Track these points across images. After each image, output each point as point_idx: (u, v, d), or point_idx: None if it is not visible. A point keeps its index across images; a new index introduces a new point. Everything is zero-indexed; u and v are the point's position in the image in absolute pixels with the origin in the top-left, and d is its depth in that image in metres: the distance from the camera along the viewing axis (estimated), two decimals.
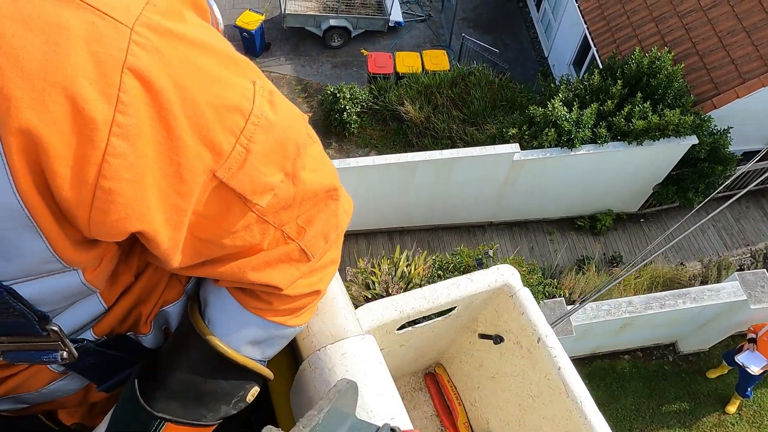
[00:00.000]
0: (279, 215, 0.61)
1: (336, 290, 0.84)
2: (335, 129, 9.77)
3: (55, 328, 0.55)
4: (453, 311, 1.06)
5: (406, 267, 7.23)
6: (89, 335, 0.65)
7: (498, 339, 1.07)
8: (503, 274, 1.02)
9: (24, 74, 0.38)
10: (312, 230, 0.67)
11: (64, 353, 0.57)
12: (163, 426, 0.66)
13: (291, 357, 0.91)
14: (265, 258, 0.63)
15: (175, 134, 0.46)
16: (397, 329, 0.96)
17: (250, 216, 0.57)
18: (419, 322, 1.04)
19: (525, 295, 1.01)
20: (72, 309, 0.60)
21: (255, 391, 0.75)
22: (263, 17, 10.81)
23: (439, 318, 1.04)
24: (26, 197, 0.43)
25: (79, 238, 0.49)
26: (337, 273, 0.93)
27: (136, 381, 0.68)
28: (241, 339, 0.72)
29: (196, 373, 0.69)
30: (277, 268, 0.65)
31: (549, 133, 7.44)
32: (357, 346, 0.78)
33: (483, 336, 1.10)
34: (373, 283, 6.71)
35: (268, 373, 0.75)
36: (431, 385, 1.35)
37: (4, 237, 0.45)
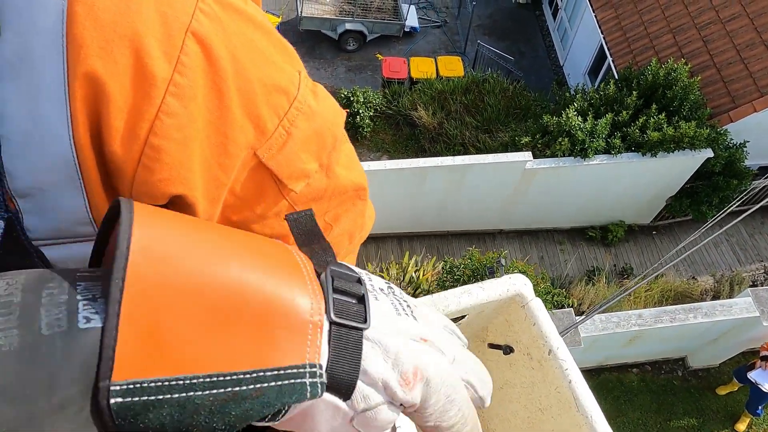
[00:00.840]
0: (309, 207, 0.61)
1: None
2: (348, 132, 9.73)
3: None
4: (463, 319, 1.04)
5: (415, 272, 7.21)
6: None
7: (508, 349, 1.05)
8: (515, 284, 1.00)
9: (97, 23, 0.40)
10: (338, 228, 0.67)
11: None
12: None
13: None
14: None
15: (226, 104, 0.47)
16: None
17: (283, 203, 0.57)
18: None
19: (537, 305, 0.99)
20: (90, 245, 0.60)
21: None
22: (280, 19, 10.88)
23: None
24: (80, 148, 0.43)
25: None
26: None
27: None
28: None
29: None
30: None
31: (562, 143, 7.40)
32: None
33: (492, 346, 1.09)
34: None
35: None
36: None
37: (45, 190, 0.45)
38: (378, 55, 11.25)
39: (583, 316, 5.63)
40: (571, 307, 7.13)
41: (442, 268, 6.57)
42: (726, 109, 7.78)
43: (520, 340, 1.04)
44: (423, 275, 7.09)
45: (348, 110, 9.53)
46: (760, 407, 7.06)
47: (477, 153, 8.36)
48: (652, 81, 7.79)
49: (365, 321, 0.40)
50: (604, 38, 9.43)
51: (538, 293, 5.10)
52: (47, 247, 0.49)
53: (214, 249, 0.37)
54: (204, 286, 0.35)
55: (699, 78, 7.76)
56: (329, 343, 0.38)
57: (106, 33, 0.40)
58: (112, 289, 0.32)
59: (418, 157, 7.89)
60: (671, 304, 7.14)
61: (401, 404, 0.41)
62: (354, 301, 0.41)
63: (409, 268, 7.25)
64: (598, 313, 6.27)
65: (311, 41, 11.65)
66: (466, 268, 5.68)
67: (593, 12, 9.84)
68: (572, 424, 0.91)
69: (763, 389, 6.50)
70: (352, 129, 9.68)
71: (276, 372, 0.35)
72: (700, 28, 8.50)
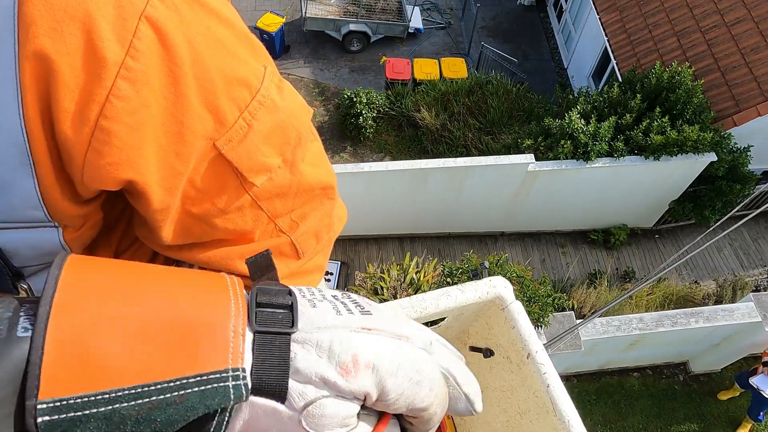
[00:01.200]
0: (273, 203, 0.60)
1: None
2: (350, 133, 9.79)
3: (26, 286, 0.55)
4: (442, 322, 1.04)
5: (416, 274, 7.20)
6: None
7: (488, 352, 1.05)
8: (495, 286, 1.00)
9: (48, 3, 0.40)
10: (304, 226, 0.66)
11: None
12: None
13: None
14: (256, 248, 0.62)
15: (182, 92, 0.47)
16: None
17: (245, 198, 0.57)
18: None
19: (517, 308, 0.99)
20: (45, 273, 0.60)
21: None
22: (284, 20, 10.89)
23: (428, 329, 1.02)
24: (30, 126, 0.43)
25: (68, 190, 0.50)
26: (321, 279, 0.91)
27: None
28: None
29: None
30: None
31: (565, 145, 7.38)
32: None
33: (473, 349, 1.08)
34: (382, 288, 6.69)
35: None
36: None
37: None
38: (382, 56, 11.25)
39: (583, 320, 5.61)
40: (572, 310, 7.11)
41: (442, 271, 6.56)
42: (730, 112, 7.74)
43: (499, 343, 1.03)
44: (424, 277, 7.08)
45: (351, 111, 9.54)
46: (761, 413, 7.01)
47: (479, 155, 8.35)
48: (656, 84, 7.76)
49: (293, 326, 0.41)
50: (608, 41, 9.40)
51: (539, 297, 5.04)
52: None
53: (140, 280, 0.40)
54: (128, 310, 0.36)
55: (703, 81, 7.73)
56: (253, 350, 0.39)
57: (56, 12, 0.40)
58: (40, 309, 0.34)
59: (420, 158, 7.88)
60: (673, 309, 7.10)
61: (355, 396, 0.41)
62: (282, 311, 0.42)
63: (410, 270, 7.23)
64: (599, 316, 6.25)
65: (315, 42, 11.66)
66: (463, 273, 5.66)
67: (597, 14, 9.81)
68: (551, 428, 0.90)
69: (765, 395, 6.46)
70: (355, 130, 9.69)
71: (198, 378, 0.36)
72: (705, 31, 8.46)
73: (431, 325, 1.02)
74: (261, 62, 0.55)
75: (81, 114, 0.43)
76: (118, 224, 0.66)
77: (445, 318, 1.00)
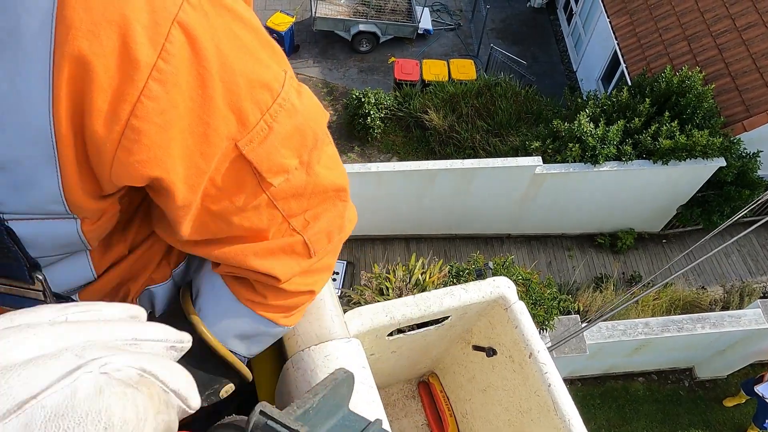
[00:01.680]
0: (288, 203, 0.62)
1: (325, 292, 0.84)
2: (358, 133, 9.80)
3: (41, 277, 0.57)
4: (446, 321, 1.05)
5: (421, 275, 7.20)
6: (75, 299, 0.67)
7: (491, 352, 1.06)
8: (499, 287, 1.01)
9: (87, 6, 0.42)
10: (317, 226, 0.68)
11: None
12: None
13: (279, 357, 0.91)
14: (269, 246, 0.64)
15: (209, 94, 0.49)
16: (388, 335, 0.96)
17: (262, 197, 0.59)
18: (413, 329, 1.04)
19: (520, 308, 1.00)
20: (61, 265, 0.62)
21: (230, 388, 0.75)
22: (294, 19, 10.93)
23: (432, 327, 1.03)
24: (58, 124, 0.45)
25: (89, 186, 0.52)
26: None
27: None
28: (229, 331, 0.72)
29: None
30: (279, 259, 0.66)
31: (573, 149, 7.36)
32: (341, 349, 0.78)
33: (477, 348, 1.09)
34: (387, 288, 6.69)
35: (247, 373, 0.75)
36: (424, 394, 1.34)
37: (21, 164, 0.47)
38: (391, 57, 11.26)
39: (587, 323, 5.60)
40: (578, 313, 7.09)
41: (449, 272, 6.56)
42: (740, 118, 7.70)
43: (502, 342, 1.04)
44: (429, 278, 7.08)
45: (359, 111, 9.55)
46: (767, 421, 6.97)
47: (487, 156, 8.34)
48: (666, 88, 7.73)
49: None
50: (618, 44, 9.36)
51: (545, 299, 5.01)
52: (16, 222, 0.51)
53: None
54: None
55: (713, 86, 7.68)
56: None
57: (94, 16, 0.43)
58: None
59: (428, 159, 7.90)
60: (679, 314, 7.07)
61: None
62: None
63: (416, 270, 7.24)
64: (604, 320, 6.23)
65: (324, 42, 11.69)
66: (470, 274, 5.66)
67: (608, 18, 9.78)
68: (551, 427, 0.91)
69: None
70: (363, 130, 9.70)
71: None
72: (716, 35, 8.41)
73: (435, 324, 1.03)
74: (282, 66, 0.58)
75: (113, 113, 0.46)
76: (134, 219, 0.68)
77: (449, 317, 1.02)
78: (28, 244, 0.54)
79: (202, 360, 0.71)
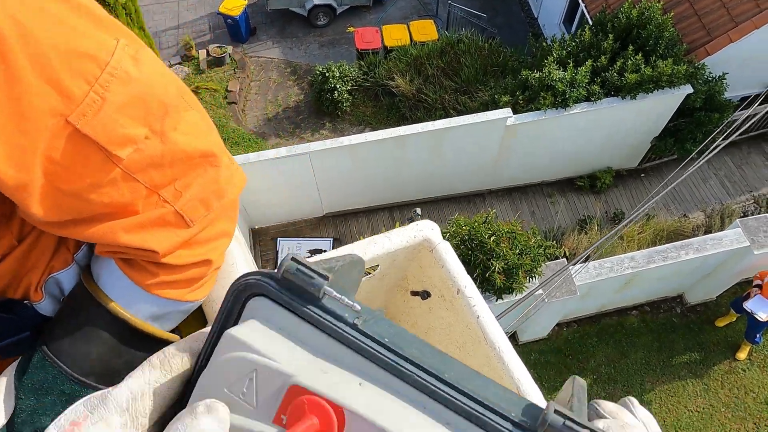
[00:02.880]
0: (149, 174, 0.60)
1: (237, 256, 0.84)
2: (327, 109, 9.72)
3: None
4: (376, 271, 1.07)
5: None
6: None
7: (425, 294, 1.08)
8: (422, 230, 1.02)
9: None
10: (188, 194, 0.66)
11: None
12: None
13: (203, 315, 0.91)
14: (139, 220, 0.63)
15: (12, 69, 0.47)
16: None
17: (116, 171, 0.57)
18: None
19: (444, 248, 1.02)
20: None
21: None
22: (246, 2, 10.70)
23: (364, 278, 1.05)
24: None
25: None
26: (242, 239, 0.93)
27: (46, 349, 0.67)
28: (139, 316, 0.71)
29: (111, 350, 0.69)
30: (151, 232, 0.64)
31: (546, 98, 7.34)
32: None
33: (414, 293, 1.11)
34: None
35: (177, 339, 0.76)
36: None
37: None
38: (350, 27, 11.10)
39: (571, 262, 5.68)
40: (565, 257, 7.18)
41: None
42: (702, 42, 7.71)
43: (433, 283, 1.06)
44: None
45: (325, 87, 9.45)
46: (758, 335, 7.16)
47: (458, 115, 8.32)
48: (627, 22, 7.70)
49: None
50: None
51: (530, 248, 5.03)
52: None
53: None
54: None
55: (672, 14, 7.67)
56: None
57: None
58: None
59: (399, 125, 7.85)
60: (665, 244, 7.18)
61: None
62: None
63: None
64: (590, 257, 6.32)
65: (281, 21, 11.49)
66: (453, 238, 5.66)
67: None
68: (485, 357, 0.94)
69: (759, 318, 6.58)
70: (331, 105, 9.61)
71: None
72: None
73: (366, 276, 1.05)
74: (113, 35, 0.55)
75: None
76: (16, 210, 0.67)
77: (377, 266, 1.03)
78: None
79: (134, 343, 0.70)
